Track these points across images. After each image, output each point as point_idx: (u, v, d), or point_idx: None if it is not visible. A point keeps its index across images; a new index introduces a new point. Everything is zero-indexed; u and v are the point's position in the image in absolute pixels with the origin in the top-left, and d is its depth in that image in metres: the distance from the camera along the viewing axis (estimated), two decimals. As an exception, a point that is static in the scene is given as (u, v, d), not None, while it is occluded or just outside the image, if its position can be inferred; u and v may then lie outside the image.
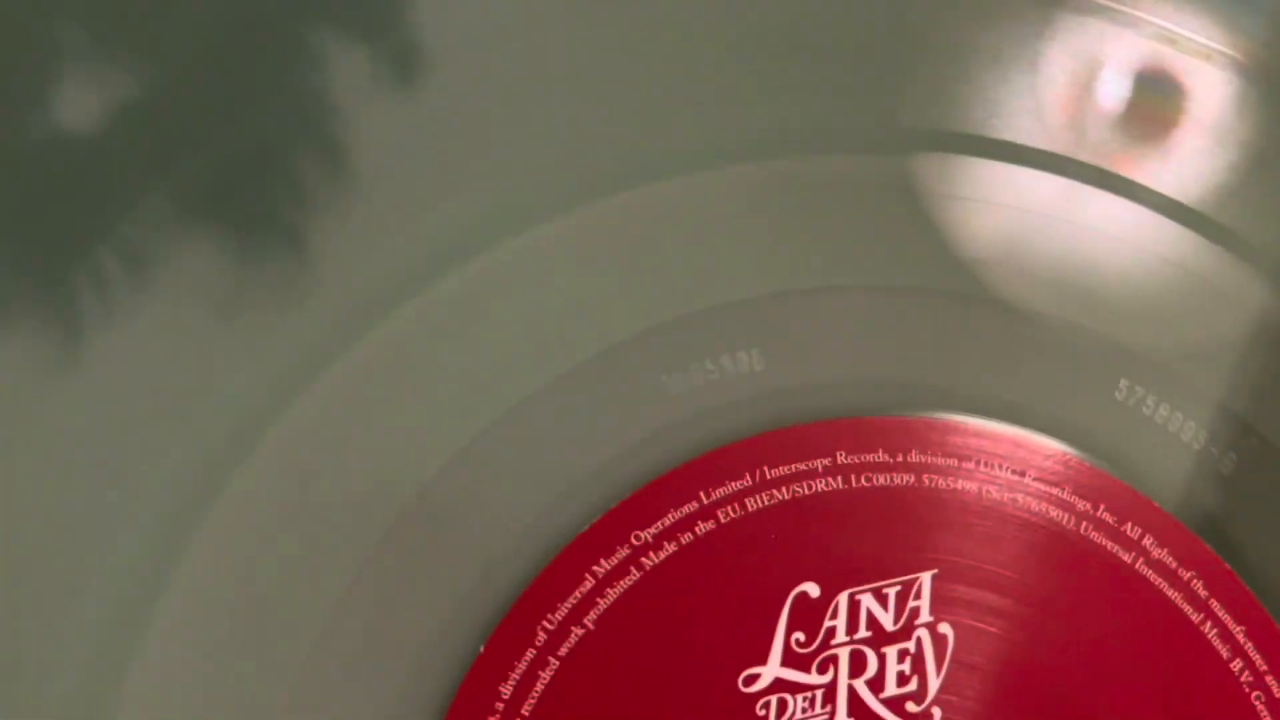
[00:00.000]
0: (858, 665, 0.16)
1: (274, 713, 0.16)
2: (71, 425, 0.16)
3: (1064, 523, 0.17)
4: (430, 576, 0.16)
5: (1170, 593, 0.16)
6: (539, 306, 0.17)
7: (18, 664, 0.16)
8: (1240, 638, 0.17)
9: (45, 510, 0.16)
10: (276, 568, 0.16)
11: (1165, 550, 0.17)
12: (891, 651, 0.16)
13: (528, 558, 0.16)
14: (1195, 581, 0.17)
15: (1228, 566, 0.17)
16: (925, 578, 0.16)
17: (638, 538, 0.16)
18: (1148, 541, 0.17)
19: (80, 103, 0.16)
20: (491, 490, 0.17)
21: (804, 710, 0.16)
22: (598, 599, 0.16)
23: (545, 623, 0.16)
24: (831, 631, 0.16)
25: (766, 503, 0.16)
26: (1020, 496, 0.17)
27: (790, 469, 0.17)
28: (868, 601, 0.16)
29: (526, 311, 0.17)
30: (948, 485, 0.17)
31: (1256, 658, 0.16)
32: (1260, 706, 0.16)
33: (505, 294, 0.17)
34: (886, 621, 0.16)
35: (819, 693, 0.16)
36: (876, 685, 0.16)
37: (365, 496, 0.16)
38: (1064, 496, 0.17)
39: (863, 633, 0.16)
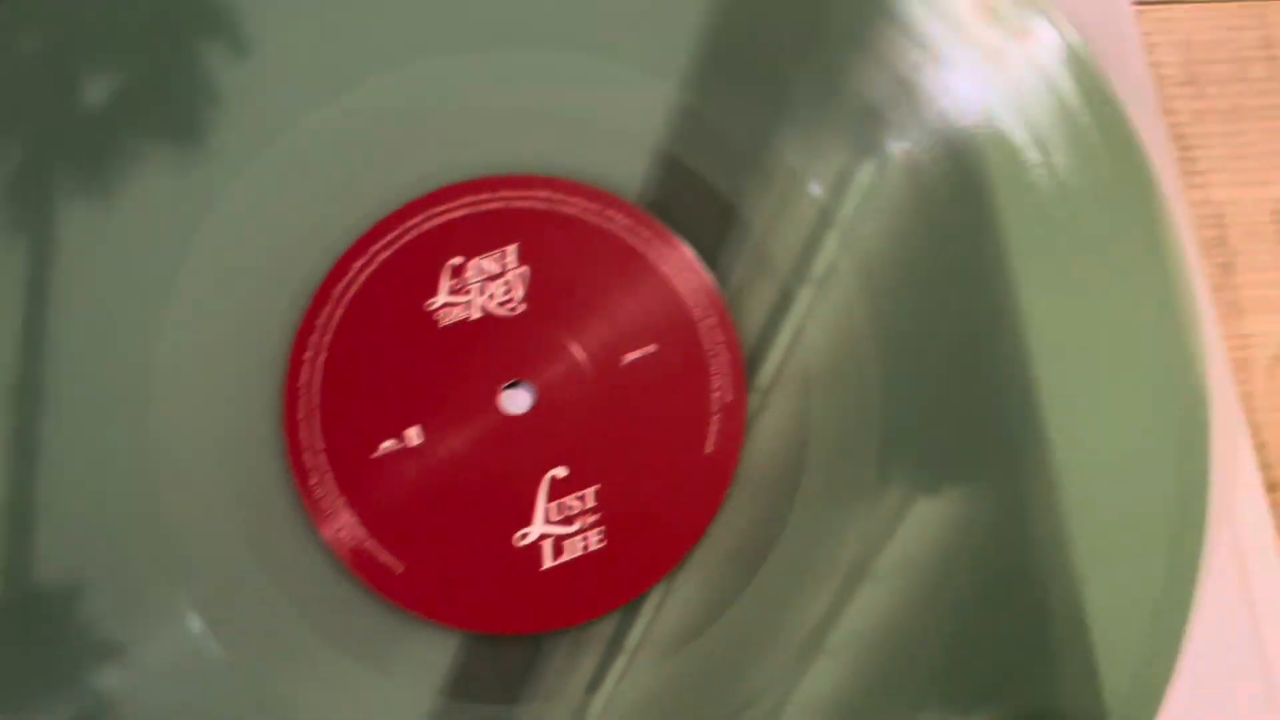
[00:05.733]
0: (482, 291, 0.31)
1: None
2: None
3: (576, 214, 0.32)
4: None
5: (629, 239, 0.31)
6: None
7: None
8: (662, 253, 0.31)
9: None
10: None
11: (624, 218, 0.32)
12: (498, 283, 0.31)
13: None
14: (643, 233, 0.32)
15: (660, 225, 0.32)
16: (511, 248, 0.31)
17: (383, 244, 0.31)
18: (615, 215, 0.32)
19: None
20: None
21: (459, 313, 0.31)
22: (377, 255, 0.31)
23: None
24: (468, 278, 0.31)
25: (435, 224, 0.32)
26: (549, 206, 0.32)
27: (444, 206, 0.32)
28: (485, 263, 0.31)
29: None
30: (521, 206, 0.32)
31: (665, 252, 0.31)
32: (699, 316, 0.31)
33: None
34: (494, 269, 0.31)
35: (465, 303, 0.31)
36: (493, 299, 0.31)
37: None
38: (569, 199, 0.32)
39: (485, 276, 0.31)
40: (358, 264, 0.32)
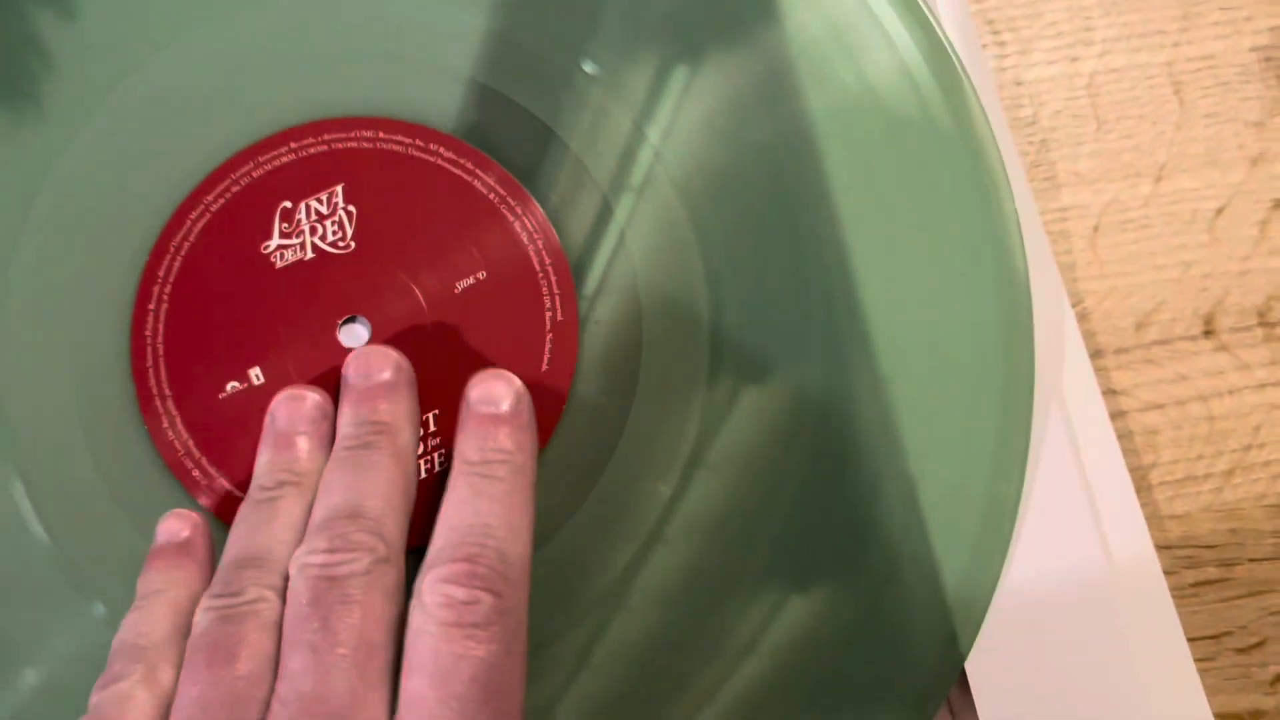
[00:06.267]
0: (314, 231, 0.32)
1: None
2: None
3: (400, 150, 0.32)
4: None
5: (453, 170, 0.32)
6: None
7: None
8: (486, 181, 0.32)
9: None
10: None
11: (447, 151, 0.32)
12: (329, 222, 0.32)
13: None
14: (466, 164, 0.32)
15: (483, 155, 0.32)
16: (338, 188, 0.32)
17: (215, 194, 0.32)
18: (437, 148, 0.32)
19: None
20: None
21: (293, 253, 0.32)
22: (211, 204, 0.32)
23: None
24: (299, 220, 0.32)
25: (263, 171, 0.32)
26: (372, 145, 0.32)
27: (271, 153, 0.32)
28: (314, 204, 0.32)
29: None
30: (346, 147, 0.32)
31: (489, 180, 0.32)
32: (527, 241, 0.32)
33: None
34: (324, 209, 0.32)
35: (298, 244, 0.32)
36: (324, 238, 0.32)
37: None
38: (392, 136, 0.32)
39: (314, 217, 0.32)
40: (193, 215, 0.32)
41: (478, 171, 0.33)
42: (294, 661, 0.26)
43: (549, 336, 0.32)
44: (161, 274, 0.32)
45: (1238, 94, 0.35)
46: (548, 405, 0.32)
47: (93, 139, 0.33)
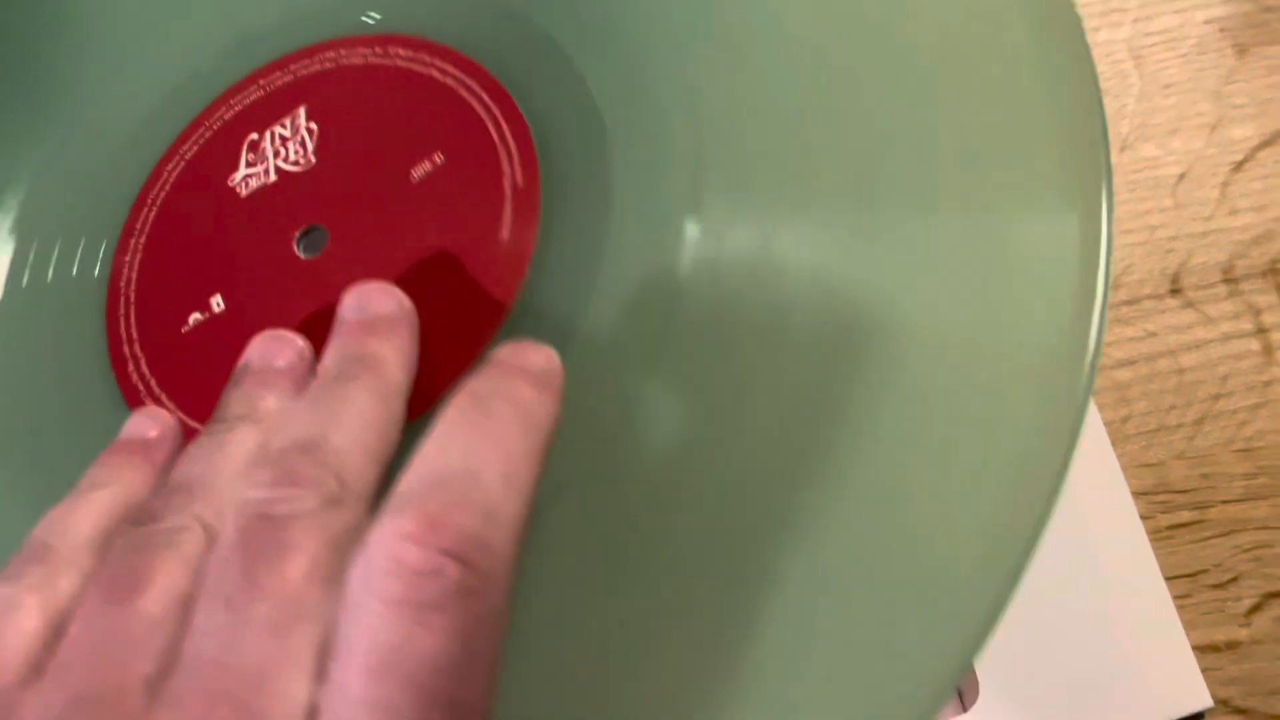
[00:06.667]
0: (277, 155, 0.32)
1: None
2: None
3: (360, 62, 0.32)
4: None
5: (414, 68, 0.32)
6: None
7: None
8: (442, 68, 0.32)
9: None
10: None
11: (406, 50, 0.32)
12: (291, 144, 0.32)
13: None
14: (424, 59, 0.32)
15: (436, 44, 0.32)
16: (300, 110, 0.32)
17: (189, 143, 0.32)
18: (395, 50, 0.32)
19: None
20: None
21: (257, 180, 0.31)
22: (186, 154, 0.32)
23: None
24: (264, 149, 0.32)
25: (233, 113, 0.32)
26: (334, 64, 0.32)
27: (239, 96, 0.32)
28: (279, 130, 0.32)
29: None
30: (309, 73, 0.32)
31: (446, 66, 0.32)
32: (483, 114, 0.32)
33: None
34: (287, 134, 0.32)
35: (261, 171, 0.31)
36: (286, 160, 0.32)
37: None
38: (353, 50, 0.32)
39: (278, 143, 0.32)
40: (169, 166, 0.32)
41: (434, 61, 0.32)
42: (202, 616, 0.20)
43: (508, 204, 0.30)
44: (138, 226, 0.32)
45: (1195, 65, 0.36)
46: (508, 272, 0.29)
47: (85, 104, 0.34)
